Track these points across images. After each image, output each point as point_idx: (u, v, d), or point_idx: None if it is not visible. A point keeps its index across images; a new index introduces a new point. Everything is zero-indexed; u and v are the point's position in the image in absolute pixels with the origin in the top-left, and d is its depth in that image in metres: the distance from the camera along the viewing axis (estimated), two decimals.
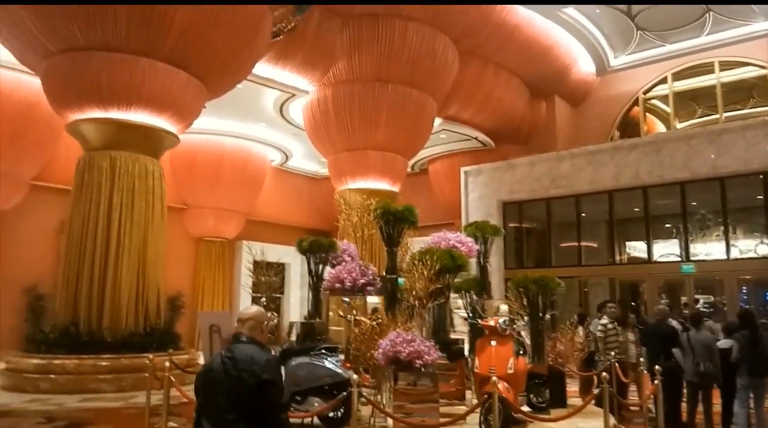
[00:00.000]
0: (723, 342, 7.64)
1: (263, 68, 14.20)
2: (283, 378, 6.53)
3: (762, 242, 14.46)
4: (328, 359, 6.67)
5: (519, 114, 19.70)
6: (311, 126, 16.37)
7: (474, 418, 5.97)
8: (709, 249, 15.16)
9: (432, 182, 21.80)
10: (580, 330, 9.23)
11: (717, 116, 18.78)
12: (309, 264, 8.76)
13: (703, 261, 14.83)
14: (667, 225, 16.35)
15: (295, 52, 14.33)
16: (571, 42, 18.61)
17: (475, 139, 19.71)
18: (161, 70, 11.06)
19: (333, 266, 8.48)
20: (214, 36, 11.14)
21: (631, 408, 8.77)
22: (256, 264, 9.27)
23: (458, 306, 9.74)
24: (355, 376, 5.15)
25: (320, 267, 8.69)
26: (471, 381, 7.45)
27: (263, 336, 3.14)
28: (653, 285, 15.36)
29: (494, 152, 19.81)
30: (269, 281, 8.91)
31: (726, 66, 18.83)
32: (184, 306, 18.27)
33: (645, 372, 7.55)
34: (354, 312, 7.57)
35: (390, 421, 6.11)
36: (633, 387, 8.88)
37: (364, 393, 5.43)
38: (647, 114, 20.68)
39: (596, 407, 7.07)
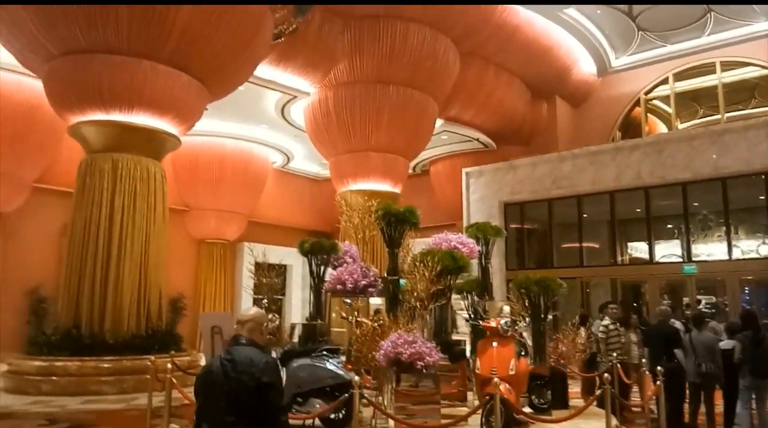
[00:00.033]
0: (725, 343, 7.62)
1: (264, 70, 14.22)
2: (285, 379, 6.54)
3: (764, 242, 14.44)
4: (330, 360, 6.66)
5: (520, 115, 19.69)
6: (312, 127, 16.39)
7: (476, 420, 5.96)
8: (710, 249, 15.14)
9: (433, 183, 21.80)
10: (582, 331, 9.21)
11: (719, 116, 18.76)
12: (310, 265, 8.76)
13: (705, 261, 14.80)
14: (669, 226, 16.33)
15: (297, 54, 14.34)
16: (572, 43, 18.61)
17: (477, 140, 19.71)
18: (163, 72, 11.08)
19: (334, 267, 8.49)
20: (215, 38, 11.15)
21: (633, 409, 8.76)
22: (257, 265, 9.28)
23: (461, 308, 9.74)
24: (356, 378, 5.15)
25: (322, 268, 8.69)
26: (473, 383, 7.44)
27: (262, 338, 3.13)
28: (655, 285, 15.34)
29: (495, 153, 19.81)
30: (271, 283, 8.92)
31: (727, 66, 18.81)
32: (185, 307, 18.29)
33: (647, 373, 7.54)
34: (355, 313, 7.57)
35: (391, 423, 6.11)
36: (635, 388, 8.86)
37: (366, 395, 5.42)
38: (649, 114, 20.66)
39: (598, 408, 7.05)
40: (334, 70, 15.19)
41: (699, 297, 15.00)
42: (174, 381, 6.60)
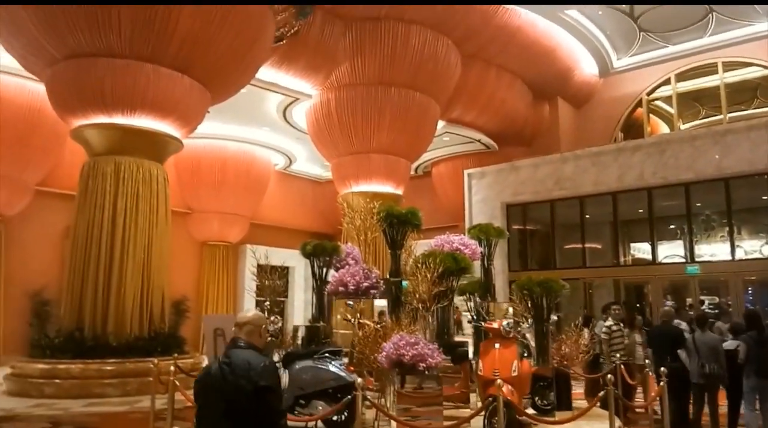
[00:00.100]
0: (729, 344, 7.60)
1: (266, 72, 14.24)
2: (287, 381, 6.54)
3: (767, 242, 14.40)
4: (332, 362, 6.66)
5: (522, 116, 19.69)
6: (314, 130, 16.41)
7: (478, 421, 5.95)
8: (713, 250, 15.12)
9: (435, 185, 21.79)
10: (586, 332, 9.19)
11: (721, 117, 18.73)
12: (313, 267, 8.76)
13: (708, 262, 14.78)
14: (672, 227, 16.31)
15: (298, 57, 14.37)
16: (574, 44, 18.60)
17: (479, 141, 19.70)
18: (165, 75, 11.10)
19: (337, 269, 8.49)
20: (217, 41, 11.18)
21: (637, 410, 8.73)
22: (260, 267, 9.29)
23: (467, 309, 9.72)
24: (359, 380, 5.14)
25: (324, 270, 8.69)
26: (475, 384, 7.43)
27: (261, 341, 3.10)
28: (658, 286, 15.32)
29: (497, 154, 19.81)
30: (273, 285, 8.90)
31: (729, 66, 18.79)
32: (188, 310, 18.29)
33: (651, 374, 7.53)
34: (358, 315, 7.56)
35: (394, 424, 6.10)
36: (640, 390, 8.84)
37: (368, 397, 5.42)
38: (651, 115, 20.65)
39: (601, 409, 7.03)
40: (336, 72, 15.21)
41: (702, 297, 14.98)
42: (177, 383, 6.60)
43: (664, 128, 20.73)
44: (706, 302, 15.01)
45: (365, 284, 7.88)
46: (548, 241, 17.24)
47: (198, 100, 11.98)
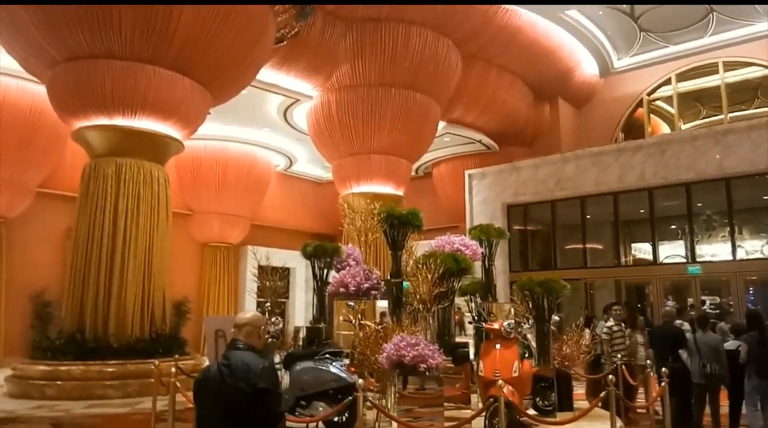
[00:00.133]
0: (730, 344, 7.60)
1: (267, 74, 14.25)
2: (288, 382, 6.54)
3: None
4: (333, 363, 6.65)
5: (523, 116, 19.68)
6: (315, 131, 16.41)
7: (479, 422, 5.95)
8: (715, 250, 15.11)
9: (436, 185, 21.80)
10: (587, 332, 9.18)
11: (722, 117, 18.72)
12: (313, 268, 8.76)
13: (709, 262, 14.77)
14: (673, 227, 16.30)
15: (299, 58, 14.38)
16: (574, 44, 18.60)
17: (479, 142, 19.70)
18: (166, 76, 11.12)
19: (338, 270, 8.48)
20: (217, 42, 11.19)
21: (638, 410, 8.72)
22: (261, 268, 9.29)
23: (469, 310, 9.70)
24: (360, 381, 5.14)
25: (325, 271, 8.69)
26: (476, 385, 7.42)
27: (260, 342, 3.09)
28: (659, 286, 15.30)
29: (498, 155, 19.81)
30: (274, 286, 8.90)
31: (730, 66, 18.79)
32: (189, 311, 18.30)
33: (652, 374, 7.52)
34: (359, 316, 7.55)
35: (395, 425, 6.10)
36: (642, 390, 8.83)
37: (369, 398, 5.42)
38: (651, 115, 20.64)
39: (603, 410, 7.03)
40: (337, 73, 15.22)
41: (703, 297, 14.97)
42: (178, 384, 6.61)
43: (664, 128, 20.72)
44: (708, 302, 15.01)
45: (366, 285, 7.87)
46: (549, 242, 17.23)
47: (199, 101, 11.99)
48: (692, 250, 14.64)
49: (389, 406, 6.23)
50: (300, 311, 21.97)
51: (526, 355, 7.39)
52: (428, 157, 20.24)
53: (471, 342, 8.83)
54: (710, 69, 19.12)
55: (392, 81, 15.23)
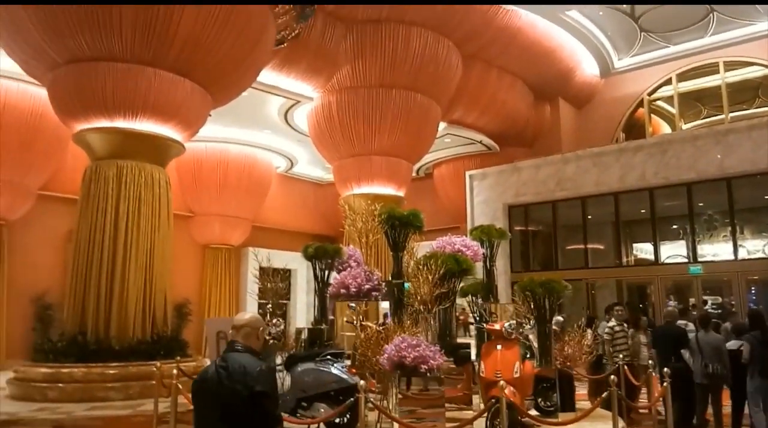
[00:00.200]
0: (732, 344, 7.58)
1: (268, 75, 14.26)
2: (289, 384, 6.54)
3: None
4: (334, 365, 6.65)
5: (523, 117, 19.68)
6: (316, 132, 16.42)
7: (481, 423, 5.94)
8: (716, 250, 15.09)
9: (437, 186, 21.80)
10: (589, 332, 9.17)
11: (722, 116, 18.72)
12: (315, 270, 8.76)
13: (711, 262, 14.75)
14: (674, 227, 16.29)
15: (300, 59, 14.39)
16: (575, 44, 18.60)
17: (480, 142, 19.71)
18: (166, 79, 11.12)
19: (339, 272, 8.48)
20: (218, 45, 11.20)
21: (641, 410, 8.71)
22: (262, 270, 9.29)
23: (472, 311, 9.69)
24: (362, 382, 5.14)
25: (326, 272, 8.69)
26: (478, 386, 7.41)
27: (259, 343, 3.06)
28: (661, 286, 15.28)
29: (499, 155, 19.81)
30: (275, 287, 8.89)
31: (731, 66, 18.78)
32: (191, 313, 18.31)
33: (654, 374, 7.51)
34: (360, 317, 7.55)
35: (396, 426, 6.09)
36: (645, 390, 8.82)
37: (371, 399, 5.41)
38: (652, 115, 20.64)
39: (605, 410, 7.02)
40: (337, 74, 15.23)
41: (705, 297, 14.95)
42: (180, 386, 6.61)
43: (665, 128, 20.72)
44: (709, 302, 14.99)
45: (367, 286, 7.87)
46: (550, 242, 17.22)
47: (199, 103, 12.00)
48: (694, 250, 14.63)
49: (391, 407, 6.22)
50: (301, 312, 21.98)
51: (528, 356, 7.39)
52: (429, 157, 20.24)
53: (473, 342, 8.83)
54: (711, 69, 19.12)
55: (393, 82, 15.24)
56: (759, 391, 6.99)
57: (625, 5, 17.50)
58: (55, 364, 10.41)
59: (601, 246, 16.93)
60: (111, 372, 10.35)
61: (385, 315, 7.94)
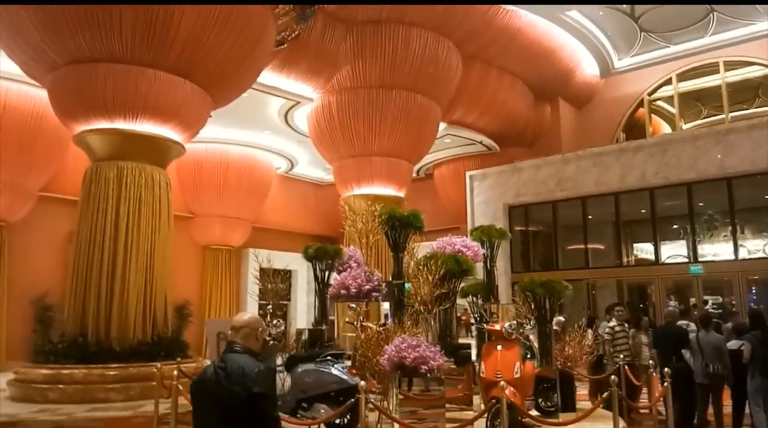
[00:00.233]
0: (733, 343, 7.58)
1: (268, 76, 14.27)
2: (290, 385, 6.53)
3: None
4: (335, 365, 6.65)
5: (523, 117, 19.68)
6: (316, 133, 16.43)
7: (481, 423, 5.94)
8: (716, 249, 15.08)
9: (437, 187, 21.79)
10: (590, 333, 9.17)
11: (723, 116, 18.71)
12: (315, 270, 8.75)
13: (711, 262, 14.74)
14: (675, 227, 16.28)
15: (300, 60, 14.39)
16: (575, 44, 18.60)
17: (480, 142, 19.71)
18: (166, 80, 11.13)
19: (339, 272, 8.48)
20: (218, 46, 11.20)
21: (641, 410, 8.71)
22: (262, 271, 9.27)
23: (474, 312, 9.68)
24: (362, 382, 5.14)
25: (326, 273, 8.68)
26: (478, 386, 7.41)
27: (258, 344, 3.05)
28: (661, 286, 15.28)
29: (499, 156, 19.81)
30: (276, 288, 8.89)
31: (731, 66, 18.78)
32: (191, 314, 18.32)
33: (655, 374, 7.50)
34: (361, 318, 7.54)
35: (397, 427, 6.09)
36: (646, 390, 8.81)
37: (371, 399, 5.41)
38: (652, 115, 20.63)
39: (606, 410, 7.02)
40: (337, 75, 15.24)
41: (706, 297, 14.94)
42: (180, 387, 6.61)
43: (665, 128, 20.71)
44: (710, 302, 14.98)
45: (367, 287, 7.86)
46: (551, 242, 17.21)
47: (199, 104, 12.01)
48: (694, 250, 14.62)
49: (391, 408, 6.22)
50: (302, 313, 21.98)
51: (529, 356, 7.39)
52: (429, 158, 20.23)
53: (473, 343, 8.83)
54: (711, 69, 19.12)
55: (393, 83, 15.24)
56: (760, 391, 6.98)
57: (625, 5, 17.51)
58: (55, 365, 10.41)
59: (602, 247, 16.93)
60: (111, 373, 10.35)
61: (386, 316, 7.93)
